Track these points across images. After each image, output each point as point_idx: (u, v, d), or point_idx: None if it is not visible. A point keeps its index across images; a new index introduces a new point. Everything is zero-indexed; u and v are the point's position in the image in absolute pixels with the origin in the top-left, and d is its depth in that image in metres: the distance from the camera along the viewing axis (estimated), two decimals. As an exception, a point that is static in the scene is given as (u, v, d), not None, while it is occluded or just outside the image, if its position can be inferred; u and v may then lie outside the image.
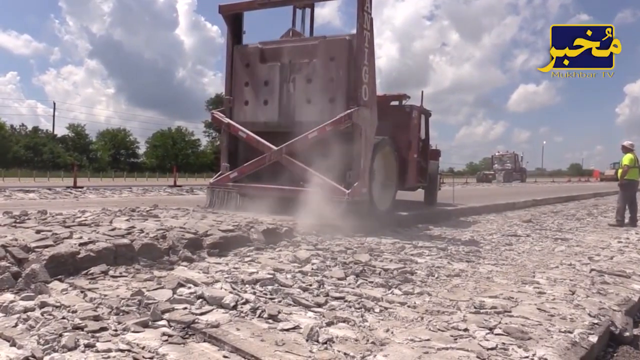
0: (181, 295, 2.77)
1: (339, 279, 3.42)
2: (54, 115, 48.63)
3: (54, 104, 70.35)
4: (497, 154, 45.58)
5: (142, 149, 65.04)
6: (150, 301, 2.64)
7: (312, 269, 3.68)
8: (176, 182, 19.17)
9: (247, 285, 3.10)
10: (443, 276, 3.75)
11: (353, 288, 3.20)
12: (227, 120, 7.35)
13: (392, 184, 7.88)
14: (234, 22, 7.50)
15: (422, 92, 9.26)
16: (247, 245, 4.49)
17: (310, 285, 3.19)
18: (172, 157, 59.84)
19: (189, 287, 2.97)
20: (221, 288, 2.99)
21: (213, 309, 2.60)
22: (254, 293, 2.93)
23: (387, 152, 7.50)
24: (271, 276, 3.32)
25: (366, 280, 3.45)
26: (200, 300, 2.72)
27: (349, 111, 6.14)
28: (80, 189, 13.54)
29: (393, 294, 3.15)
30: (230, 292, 2.86)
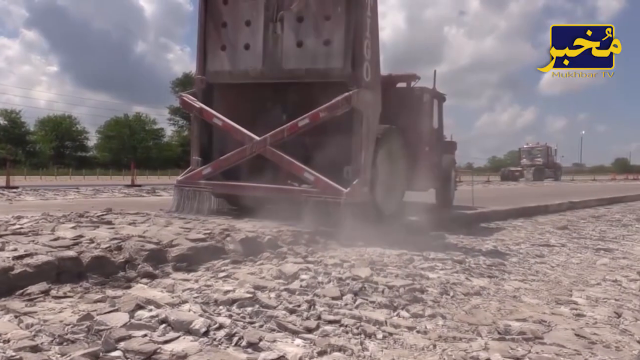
0: (140, 320, 2.75)
1: (333, 298, 3.42)
2: (-18, 99, 48.34)
3: (-18, 84, 69.83)
4: (525, 146, 45.87)
5: (92, 141, 64.68)
6: (101, 327, 2.62)
7: (301, 286, 3.68)
8: (134, 180, 19.09)
9: (221, 307, 3.09)
10: (460, 295, 3.77)
11: (350, 309, 3.21)
12: (199, 104, 7.31)
13: (399, 183, 7.89)
14: None
15: (435, 71, 9.30)
16: (222, 258, 4.47)
17: (299, 306, 3.19)
18: (130, 150, 59.58)
19: (150, 310, 2.95)
20: (189, 310, 2.98)
21: (179, 336, 2.59)
22: (230, 316, 2.93)
23: (392, 144, 7.51)
24: (251, 295, 3.31)
25: (366, 299, 3.45)
26: (164, 325, 2.71)
27: (347, 94, 6.14)
28: (15, 190, 13.41)
29: (399, 316, 3.16)
30: (201, 315, 2.85)
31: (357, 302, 3.37)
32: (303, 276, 3.97)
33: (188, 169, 7.51)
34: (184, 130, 64.41)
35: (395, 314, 3.20)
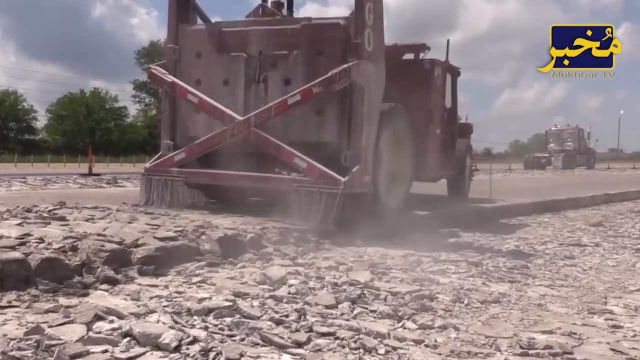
0: (99, 333, 2.75)
1: (327, 307, 3.43)
2: None
3: None
4: (554, 128, 46.16)
5: (41, 121, 64.26)
6: (53, 342, 2.61)
7: (290, 292, 3.69)
8: (92, 168, 19.04)
9: (195, 317, 3.09)
10: (476, 303, 3.79)
11: (347, 320, 3.22)
12: (170, 78, 7.27)
13: (406, 171, 7.91)
14: None
15: (448, 40, 9.34)
16: (196, 260, 4.48)
17: (287, 316, 3.19)
18: (87, 132, 59.31)
19: (111, 321, 2.95)
20: (158, 321, 2.98)
21: (146, 352, 2.59)
22: (206, 328, 2.93)
23: (398, 126, 7.51)
24: (230, 304, 3.32)
25: (366, 308, 3.47)
26: (128, 339, 2.70)
27: (346, 65, 6.11)
28: (-50, 179, 13.32)
29: (404, 328, 3.17)
30: (172, 327, 2.85)
31: (355, 312, 3.38)
32: (292, 281, 3.98)
33: (157, 155, 7.51)
34: (151, 109, 64.15)
35: (399, 325, 3.21)
